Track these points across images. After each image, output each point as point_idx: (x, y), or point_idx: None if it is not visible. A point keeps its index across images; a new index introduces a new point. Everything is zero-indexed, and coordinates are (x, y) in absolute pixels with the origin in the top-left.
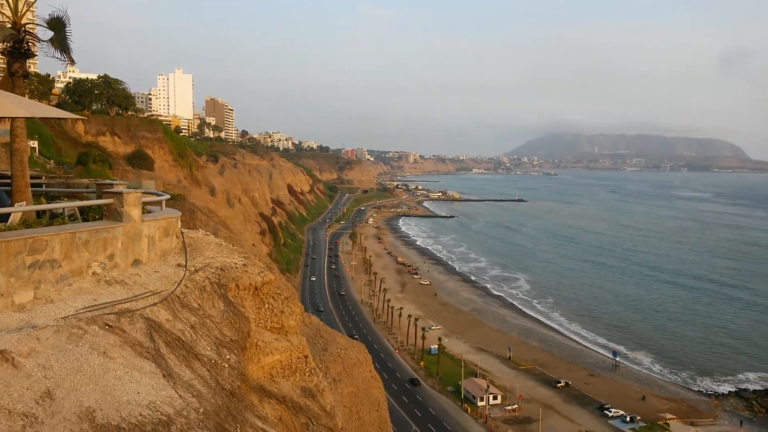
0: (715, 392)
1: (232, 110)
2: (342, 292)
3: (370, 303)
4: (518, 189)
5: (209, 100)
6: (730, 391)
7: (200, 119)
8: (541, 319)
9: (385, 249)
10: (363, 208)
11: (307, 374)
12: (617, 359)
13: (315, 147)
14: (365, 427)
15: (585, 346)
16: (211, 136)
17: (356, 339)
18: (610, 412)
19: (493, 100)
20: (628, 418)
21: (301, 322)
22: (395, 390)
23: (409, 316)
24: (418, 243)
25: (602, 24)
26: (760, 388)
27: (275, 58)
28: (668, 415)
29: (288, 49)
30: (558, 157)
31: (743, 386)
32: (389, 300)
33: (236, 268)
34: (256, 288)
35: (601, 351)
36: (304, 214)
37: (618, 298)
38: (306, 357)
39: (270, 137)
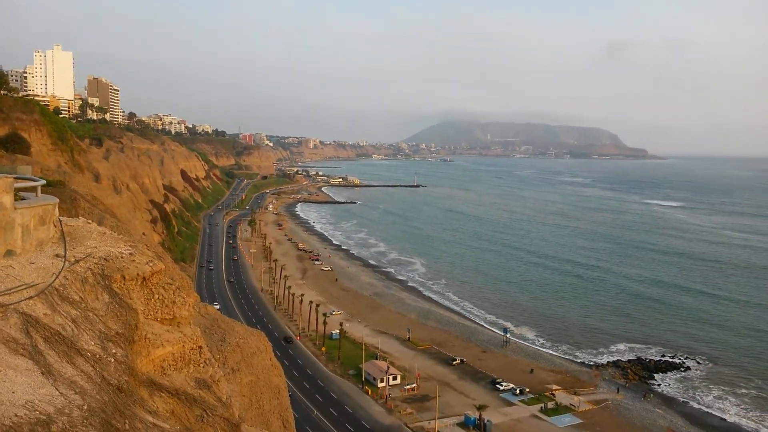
0: (595, 363)
1: (118, 90)
2: (231, 279)
3: (271, 290)
4: (417, 175)
5: (92, 79)
6: (608, 362)
7: (82, 100)
8: (438, 300)
9: (286, 235)
10: (262, 194)
11: (201, 365)
12: (508, 336)
13: (210, 131)
14: (266, 415)
15: (478, 324)
16: (95, 118)
17: (257, 328)
18: (502, 385)
19: (391, 86)
20: (518, 391)
21: (195, 312)
22: (296, 377)
23: (311, 302)
24: (318, 229)
25: (494, 15)
26: (633, 357)
27: (165, 37)
28: (554, 386)
29: (178, 28)
30: (454, 143)
31: (618, 357)
32: (290, 287)
33: (122, 257)
34: (144, 278)
35: (493, 328)
36: (200, 201)
37: (506, 279)
38: (200, 348)
39: (161, 120)
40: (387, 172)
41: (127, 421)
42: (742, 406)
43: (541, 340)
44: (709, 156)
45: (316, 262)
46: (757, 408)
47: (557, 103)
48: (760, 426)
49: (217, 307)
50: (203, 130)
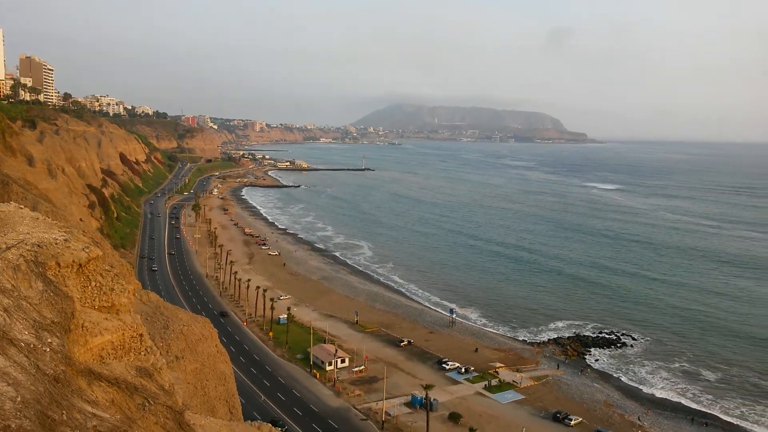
0: (536, 341)
1: (52, 70)
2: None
3: (216, 276)
4: (365, 159)
5: (24, 58)
6: (548, 339)
7: (14, 80)
8: (386, 282)
9: (232, 220)
10: (207, 178)
11: (142, 353)
12: (453, 316)
13: (151, 113)
14: (212, 402)
15: (425, 306)
16: (28, 99)
17: (202, 314)
18: (448, 365)
19: (340, 69)
20: (463, 369)
21: (136, 300)
22: (243, 363)
23: (258, 287)
24: (265, 213)
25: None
26: (572, 334)
27: (102, 15)
28: (498, 364)
29: (115, 6)
30: (401, 127)
31: (558, 334)
32: (236, 272)
33: (56, 244)
34: (80, 265)
35: (439, 310)
36: (141, 185)
37: (452, 261)
38: (141, 336)
39: (98, 101)
40: (335, 156)
41: (64, 411)
42: (672, 380)
43: (485, 320)
44: (646, 140)
45: (263, 247)
46: (685, 381)
47: (503, 87)
48: (688, 398)
49: (161, 291)
50: (143, 112)
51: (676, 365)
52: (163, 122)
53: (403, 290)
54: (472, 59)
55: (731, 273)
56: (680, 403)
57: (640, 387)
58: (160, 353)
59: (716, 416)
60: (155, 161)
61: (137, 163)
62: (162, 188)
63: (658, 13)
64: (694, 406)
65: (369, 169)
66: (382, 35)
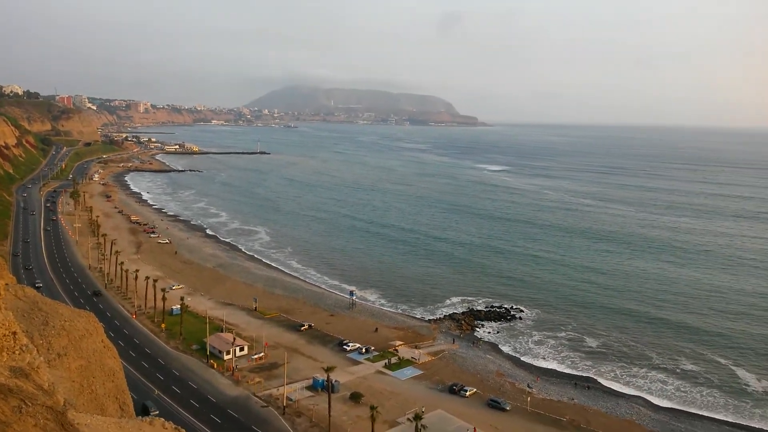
0: (433, 318)
1: None
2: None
3: (100, 268)
4: (260, 142)
5: None
6: (444, 315)
7: None
8: (284, 268)
9: (116, 208)
10: (86, 163)
11: (17, 352)
12: (353, 298)
13: (21, 92)
14: (100, 400)
15: (325, 289)
16: None
17: (85, 309)
18: (348, 346)
19: (232, 47)
20: (363, 350)
21: (10, 295)
22: (134, 357)
23: (147, 277)
24: (153, 200)
25: None
26: (465, 309)
27: None
28: (397, 342)
29: None
30: (297, 109)
31: (453, 310)
32: (123, 263)
33: None
34: None
35: (339, 292)
36: (11, 171)
37: (350, 244)
38: (14, 334)
39: None
40: (228, 139)
41: None
42: (558, 348)
43: (384, 301)
44: (532, 123)
45: (151, 235)
46: (570, 349)
47: (398, 71)
48: (573, 364)
49: (39, 286)
50: (12, 92)
51: (563, 334)
52: (35, 103)
53: (301, 275)
54: (368, 42)
55: (608, 249)
56: (564, 370)
57: (530, 356)
58: (39, 351)
59: (596, 380)
60: (27, 145)
61: (6, 147)
62: (36, 174)
63: None
64: (577, 372)
65: (264, 153)
66: (277, 14)
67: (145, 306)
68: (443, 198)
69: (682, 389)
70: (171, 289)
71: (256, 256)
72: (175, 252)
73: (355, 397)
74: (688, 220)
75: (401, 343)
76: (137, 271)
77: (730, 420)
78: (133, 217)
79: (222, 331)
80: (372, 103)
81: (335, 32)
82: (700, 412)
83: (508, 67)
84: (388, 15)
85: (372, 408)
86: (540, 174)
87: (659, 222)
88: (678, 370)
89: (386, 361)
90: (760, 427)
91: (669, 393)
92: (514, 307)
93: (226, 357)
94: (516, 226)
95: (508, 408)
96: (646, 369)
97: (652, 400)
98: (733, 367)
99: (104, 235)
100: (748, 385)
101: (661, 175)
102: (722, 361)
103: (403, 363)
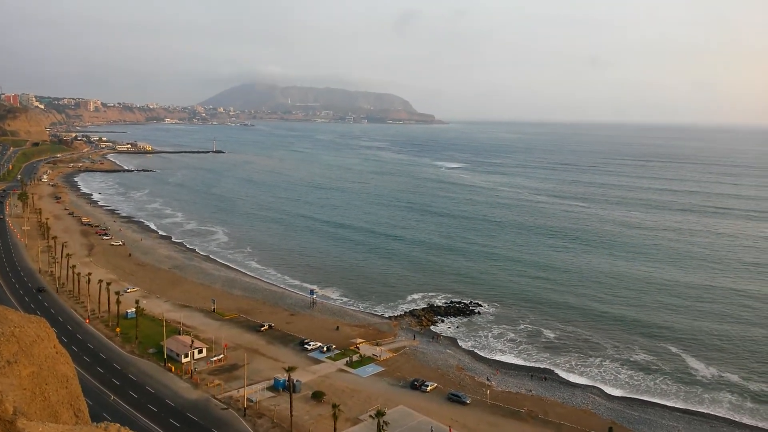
0: (394, 315)
1: None
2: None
3: (51, 271)
4: (216, 140)
5: None
6: (404, 312)
7: None
8: (243, 269)
9: (66, 209)
10: (34, 163)
11: None
12: (314, 297)
13: None
14: (53, 407)
15: (285, 289)
16: None
17: (36, 314)
18: (310, 345)
19: (186, 44)
20: (325, 348)
21: None
22: (88, 362)
23: (100, 281)
24: (105, 201)
25: None
26: (425, 305)
27: None
28: (358, 340)
29: None
30: (254, 107)
31: (414, 306)
32: (74, 266)
33: None
34: None
35: (300, 292)
36: None
37: (310, 244)
38: None
39: None
40: (183, 138)
41: None
42: (517, 341)
43: (346, 299)
44: (487, 121)
45: (104, 237)
46: (528, 342)
47: (355, 69)
48: (530, 356)
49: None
50: None
51: (521, 327)
52: None
53: (261, 275)
54: (326, 40)
55: (562, 245)
56: (523, 362)
57: (488, 350)
58: None
59: (552, 371)
60: None
61: None
62: None
63: None
64: (535, 364)
65: (220, 152)
66: (232, 10)
67: (99, 310)
68: (402, 196)
69: (635, 378)
70: (125, 292)
71: (213, 256)
72: (129, 254)
73: (317, 396)
74: (637, 215)
75: (362, 340)
76: (90, 274)
77: (681, 406)
78: (84, 219)
79: (179, 334)
80: (329, 101)
81: (292, 30)
82: (653, 400)
83: (464, 65)
84: (346, 13)
85: (334, 406)
86: (496, 171)
87: (610, 217)
88: (631, 360)
89: (348, 359)
90: (709, 412)
91: (622, 382)
92: (473, 302)
93: (184, 360)
94: (473, 224)
95: (468, 401)
96: (600, 359)
97: (606, 390)
98: (684, 356)
99: (54, 237)
100: (697, 372)
101: (612, 171)
102: (673, 349)
103: (364, 360)
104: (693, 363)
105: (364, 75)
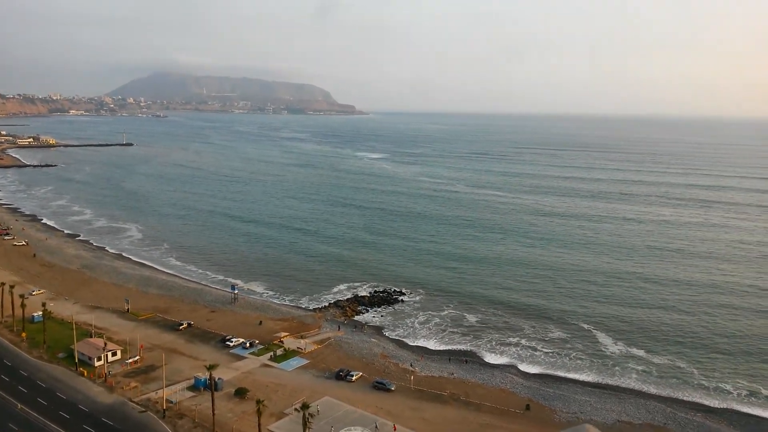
0: (318, 306)
1: None
2: None
3: None
4: (126, 133)
5: None
6: (329, 303)
7: None
8: (159, 266)
9: None
10: None
11: None
12: (236, 292)
13: None
14: None
15: (205, 285)
16: None
17: None
18: (232, 341)
19: (89, 31)
20: (248, 344)
21: None
22: None
23: (3, 283)
24: (6, 198)
25: None
26: (350, 296)
27: None
28: (282, 334)
29: None
30: (167, 98)
31: (339, 297)
32: None
33: None
34: None
35: (221, 287)
36: None
37: (230, 238)
38: None
39: None
40: (89, 130)
41: None
42: (441, 326)
43: (270, 293)
44: (408, 111)
45: (6, 237)
46: (451, 326)
47: (273, 59)
48: (452, 340)
49: None
50: None
51: (444, 313)
52: None
53: (180, 272)
54: (241, 27)
55: (481, 234)
56: (445, 347)
57: (412, 337)
58: None
59: (474, 353)
60: None
61: None
62: None
63: None
64: (457, 347)
65: (130, 144)
66: None
67: (2, 314)
68: (324, 189)
69: (551, 356)
70: (31, 294)
71: (125, 254)
72: (34, 254)
73: (241, 393)
74: (550, 201)
75: (286, 334)
76: None
77: (593, 380)
78: None
79: (91, 336)
80: (247, 91)
81: (204, 16)
82: (568, 375)
83: (383, 55)
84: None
85: (258, 402)
86: (417, 162)
87: (524, 205)
88: (546, 339)
89: (271, 353)
90: (619, 384)
91: (539, 359)
92: (396, 290)
93: (97, 363)
94: (395, 215)
95: (393, 388)
96: (518, 338)
97: (523, 368)
98: (595, 332)
99: None
100: (607, 348)
101: (526, 161)
102: (585, 326)
103: (288, 354)
104: (603, 339)
105: (283, 65)
